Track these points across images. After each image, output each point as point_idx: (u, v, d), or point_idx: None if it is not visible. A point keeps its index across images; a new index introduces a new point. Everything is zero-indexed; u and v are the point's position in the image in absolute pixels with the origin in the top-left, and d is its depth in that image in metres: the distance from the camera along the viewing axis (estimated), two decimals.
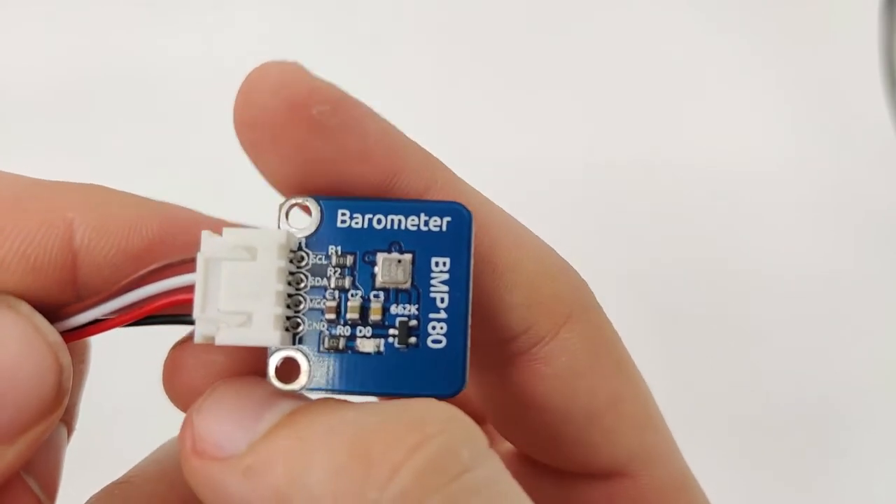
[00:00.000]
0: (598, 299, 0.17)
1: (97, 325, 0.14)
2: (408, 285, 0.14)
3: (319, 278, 0.14)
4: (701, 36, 0.44)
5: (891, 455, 0.36)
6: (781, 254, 0.40)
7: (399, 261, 0.14)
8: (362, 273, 0.14)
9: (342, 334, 0.14)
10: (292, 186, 0.15)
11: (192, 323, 0.14)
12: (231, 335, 0.14)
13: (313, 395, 0.14)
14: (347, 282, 0.14)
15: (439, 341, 0.14)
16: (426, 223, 0.14)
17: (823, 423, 0.37)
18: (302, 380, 0.14)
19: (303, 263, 0.14)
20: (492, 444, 0.13)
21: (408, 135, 0.15)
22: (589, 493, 0.17)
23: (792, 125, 0.42)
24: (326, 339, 0.14)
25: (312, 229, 0.14)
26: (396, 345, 0.14)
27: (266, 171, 0.15)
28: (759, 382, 0.38)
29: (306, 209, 0.15)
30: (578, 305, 0.16)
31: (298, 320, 0.14)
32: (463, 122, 0.41)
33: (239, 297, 0.14)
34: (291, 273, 0.14)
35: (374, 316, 0.14)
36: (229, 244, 0.14)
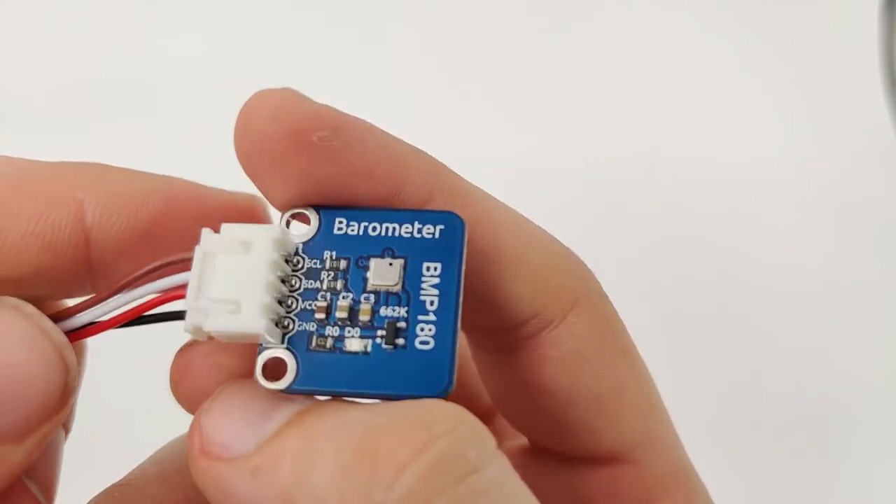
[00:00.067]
0: None
1: (94, 327, 0.15)
2: (398, 288, 0.14)
3: (313, 281, 0.15)
4: (701, 36, 0.44)
5: (891, 455, 0.36)
6: (781, 254, 0.40)
7: (391, 264, 0.14)
8: (355, 277, 0.15)
9: (331, 334, 0.14)
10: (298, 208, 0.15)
11: (183, 317, 0.14)
12: (218, 322, 0.14)
13: (299, 396, 0.14)
14: (339, 284, 0.14)
15: (427, 343, 0.14)
16: (420, 231, 0.15)
17: (823, 423, 0.37)
18: (287, 378, 0.14)
19: (298, 267, 0.15)
20: (499, 443, 0.13)
21: (407, 137, 0.15)
22: (592, 479, 0.17)
23: (792, 125, 0.42)
24: (314, 339, 0.14)
25: (310, 236, 0.15)
26: (384, 345, 0.14)
27: (271, 196, 0.15)
28: (759, 382, 0.38)
29: (306, 219, 0.15)
30: (585, 293, 0.16)
31: (289, 321, 0.14)
32: (463, 121, 0.41)
33: (230, 287, 0.14)
34: (286, 276, 0.14)
35: (363, 317, 0.14)
36: (227, 239, 0.14)
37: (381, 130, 0.15)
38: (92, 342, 0.16)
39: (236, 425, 0.13)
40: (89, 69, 0.42)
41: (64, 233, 0.14)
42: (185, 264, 0.14)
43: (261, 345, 0.14)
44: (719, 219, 0.40)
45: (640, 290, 0.38)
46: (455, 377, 0.14)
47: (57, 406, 0.14)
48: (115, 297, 0.14)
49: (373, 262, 0.15)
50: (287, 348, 0.14)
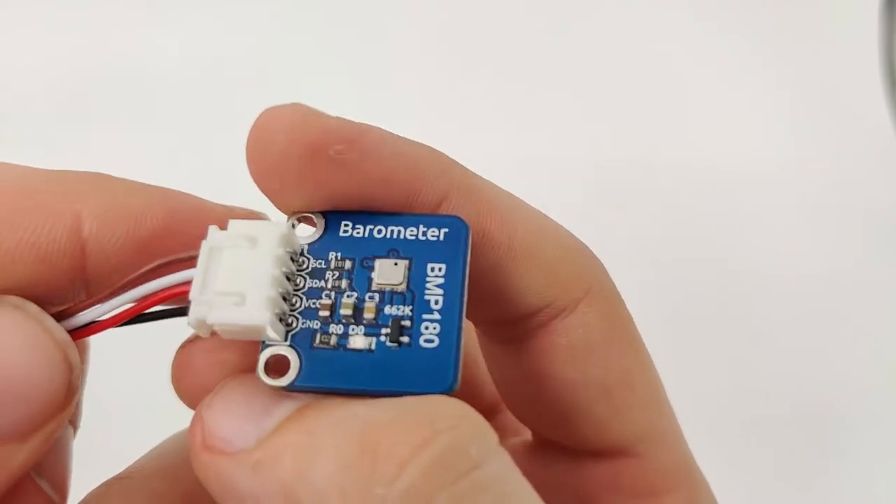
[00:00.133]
0: None
1: (97, 325, 0.15)
2: (403, 287, 0.15)
3: (317, 280, 0.15)
4: (701, 36, 0.44)
5: (891, 455, 0.36)
6: (781, 254, 0.40)
7: (395, 264, 0.15)
8: (359, 276, 0.15)
9: (335, 332, 0.14)
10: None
11: (187, 313, 0.14)
12: (222, 314, 0.14)
13: (302, 394, 0.14)
14: (344, 283, 0.15)
15: (431, 341, 0.14)
16: (424, 233, 0.15)
17: (823, 423, 0.37)
18: (290, 376, 0.14)
19: (303, 267, 0.15)
20: (503, 439, 0.13)
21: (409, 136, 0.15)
22: (597, 473, 0.18)
23: (792, 125, 0.42)
24: (318, 336, 0.14)
25: (315, 238, 0.15)
26: (388, 343, 0.14)
27: (289, 211, 0.15)
28: (759, 382, 0.38)
29: (311, 222, 0.15)
30: (596, 283, 0.17)
31: (292, 318, 0.14)
32: (463, 121, 0.41)
33: (235, 281, 0.14)
34: (291, 273, 0.15)
35: (368, 314, 0.14)
36: (233, 234, 0.14)
37: (393, 135, 0.15)
38: (93, 340, 0.16)
39: (238, 420, 0.13)
40: (89, 69, 0.42)
41: (60, 244, 0.14)
42: (187, 262, 0.14)
43: (263, 342, 0.14)
44: (719, 219, 0.40)
45: (640, 289, 0.37)
46: (460, 375, 0.14)
47: (61, 405, 0.14)
48: (119, 295, 0.15)
49: (377, 263, 0.15)
50: (290, 345, 0.14)
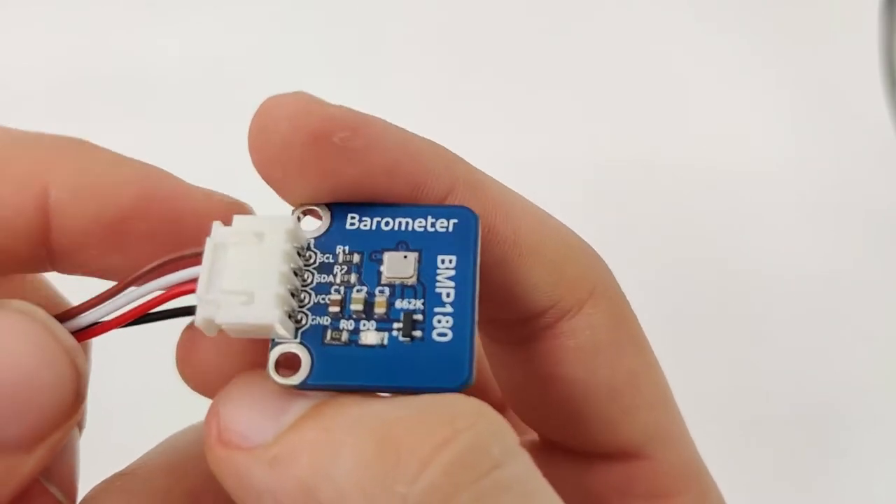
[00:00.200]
0: None
1: (99, 326, 0.14)
2: (413, 280, 0.14)
3: (325, 275, 0.14)
4: (701, 36, 0.44)
5: (891, 455, 0.36)
6: (781, 254, 0.40)
7: (405, 256, 0.14)
8: (368, 270, 0.14)
9: (346, 328, 0.14)
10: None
11: (194, 313, 0.14)
12: (231, 314, 0.13)
13: (314, 392, 0.14)
14: (353, 278, 0.14)
15: (445, 334, 0.14)
16: (433, 225, 0.15)
17: (823, 423, 0.37)
18: (302, 374, 0.14)
19: (310, 262, 0.14)
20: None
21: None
22: (606, 476, 0.17)
23: (792, 125, 0.42)
24: (329, 333, 0.14)
25: (322, 231, 0.15)
26: (401, 338, 0.14)
27: (294, 202, 0.15)
28: (759, 382, 0.38)
29: (316, 215, 0.15)
30: (601, 284, 0.16)
31: (302, 315, 0.14)
32: (462, 122, 0.41)
33: (243, 278, 0.14)
34: (298, 269, 0.14)
35: (379, 309, 0.14)
36: (238, 230, 0.14)
37: (398, 127, 0.15)
38: (95, 338, 0.15)
39: (255, 415, 0.13)
40: (89, 69, 0.42)
41: (24, 215, 0.14)
42: (192, 259, 0.14)
43: (273, 340, 0.14)
44: (719, 219, 0.40)
45: (640, 289, 0.37)
46: (475, 369, 0.14)
47: (68, 413, 0.13)
48: (122, 294, 0.14)
49: (386, 256, 0.14)
50: (301, 343, 0.14)
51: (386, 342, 0.14)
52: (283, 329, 0.14)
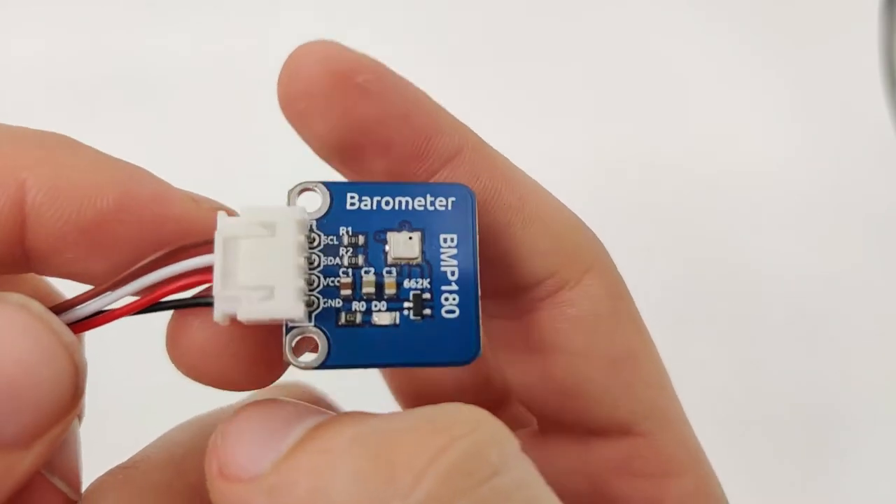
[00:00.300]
0: None
1: (106, 315, 0.14)
2: (419, 260, 0.15)
3: (332, 258, 0.15)
4: (701, 36, 0.44)
5: (891, 455, 0.36)
6: (781, 254, 0.40)
7: (410, 238, 0.15)
8: (374, 251, 0.15)
9: (358, 309, 0.14)
10: (338, 151, 0.16)
11: (208, 304, 0.14)
12: (254, 310, 0.13)
13: (314, 411, 0.14)
14: (360, 259, 0.15)
15: (452, 311, 0.15)
16: (433, 203, 0.15)
17: (823, 423, 0.37)
18: (320, 356, 0.14)
19: (314, 244, 0.15)
20: (512, 430, 0.13)
21: None
22: (605, 455, 0.17)
23: (792, 125, 0.42)
24: (343, 315, 0.14)
25: (322, 212, 0.15)
26: (412, 317, 0.14)
27: (312, 137, 0.15)
28: (758, 382, 0.38)
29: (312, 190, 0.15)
30: (599, 259, 0.17)
31: (313, 298, 0.14)
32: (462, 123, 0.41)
33: (259, 273, 0.14)
34: (306, 254, 0.14)
35: (389, 290, 0.14)
36: (247, 222, 0.14)
37: (415, 85, 0.16)
38: (89, 333, 0.15)
39: (252, 445, 0.13)
40: (89, 69, 0.42)
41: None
42: (199, 249, 0.14)
43: (286, 325, 0.14)
44: (719, 219, 0.40)
45: (639, 289, 0.37)
46: (481, 343, 0.14)
47: (67, 409, 0.13)
48: (126, 284, 0.14)
49: (391, 236, 0.15)
50: (316, 326, 0.14)
51: (398, 321, 0.14)
52: (304, 316, 0.14)
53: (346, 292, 0.14)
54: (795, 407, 0.37)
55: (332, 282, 0.14)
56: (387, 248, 0.15)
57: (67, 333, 0.13)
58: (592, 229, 0.17)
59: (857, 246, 0.40)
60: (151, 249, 0.14)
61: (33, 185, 0.14)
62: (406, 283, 0.15)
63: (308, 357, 0.14)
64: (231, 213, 0.15)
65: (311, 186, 0.15)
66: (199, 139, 0.40)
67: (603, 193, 0.40)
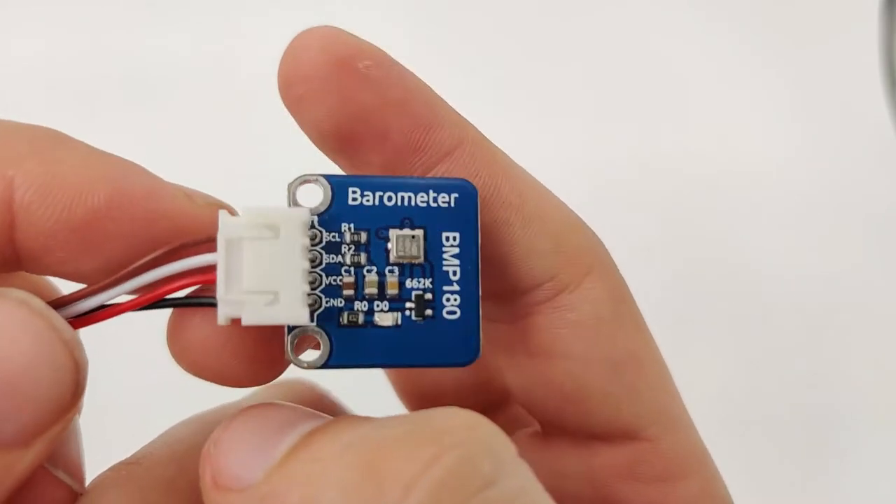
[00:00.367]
0: None
1: (107, 310, 0.14)
2: (421, 260, 0.15)
3: (334, 255, 0.14)
4: (701, 36, 0.44)
5: (891, 455, 0.36)
6: (781, 254, 0.40)
7: (412, 236, 0.15)
8: (376, 249, 0.15)
9: (361, 309, 0.14)
10: (336, 138, 0.15)
11: (211, 305, 0.14)
12: (258, 315, 0.13)
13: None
14: (363, 258, 0.14)
15: (454, 312, 0.14)
16: (435, 199, 0.15)
17: (823, 423, 0.37)
18: (323, 356, 0.14)
19: (316, 241, 0.14)
20: (511, 432, 0.13)
21: None
22: (609, 460, 0.17)
23: (792, 125, 0.42)
24: (346, 315, 0.14)
25: (324, 208, 0.15)
26: (413, 317, 0.14)
27: (310, 124, 0.15)
28: (758, 382, 0.38)
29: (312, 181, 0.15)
30: (600, 261, 0.17)
31: (314, 297, 0.14)
32: None
33: (264, 277, 0.13)
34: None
35: (391, 290, 0.14)
36: (250, 223, 0.14)
37: (416, 75, 0.15)
38: (86, 330, 0.15)
39: (245, 454, 0.13)
40: (89, 69, 0.42)
41: None
42: (203, 246, 0.14)
43: (288, 324, 0.14)
44: (719, 219, 0.40)
45: (638, 289, 0.37)
46: (481, 344, 0.14)
47: (67, 407, 0.13)
48: (128, 280, 0.14)
49: (393, 234, 0.15)
50: (318, 326, 0.14)
51: (400, 322, 0.14)
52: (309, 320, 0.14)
53: (349, 292, 0.14)
54: (795, 407, 0.37)
55: (335, 280, 0.14)
56: (389, 245, 0.15)
57: (68, 330, 0.13)
58: (594, 225, 0.17)
59: (857, 246, 0.40)
60: (145, 246, 0.14)
61: (21, 182, 0.13)
62: (408, 283, 0.14)
63: (309, 356, 0.14)
64: (227, 208, 0.15)
65: (311, 179, 0.15)
66: (199, 139, 0.40)
67: (602, 193, 0.40)
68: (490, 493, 0.12)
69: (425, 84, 0.16)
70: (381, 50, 0.15)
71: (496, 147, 0.16)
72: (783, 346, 0.38)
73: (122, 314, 0.14)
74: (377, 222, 0.15)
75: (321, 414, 0.14)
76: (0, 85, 0.42)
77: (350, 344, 0.14)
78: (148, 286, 0.14)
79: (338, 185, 0.15)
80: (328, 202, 0.15)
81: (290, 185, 0.15)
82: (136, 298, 0.14)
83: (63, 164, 0.13)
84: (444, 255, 0.15)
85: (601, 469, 0.17)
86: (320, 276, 0.14)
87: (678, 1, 0.44)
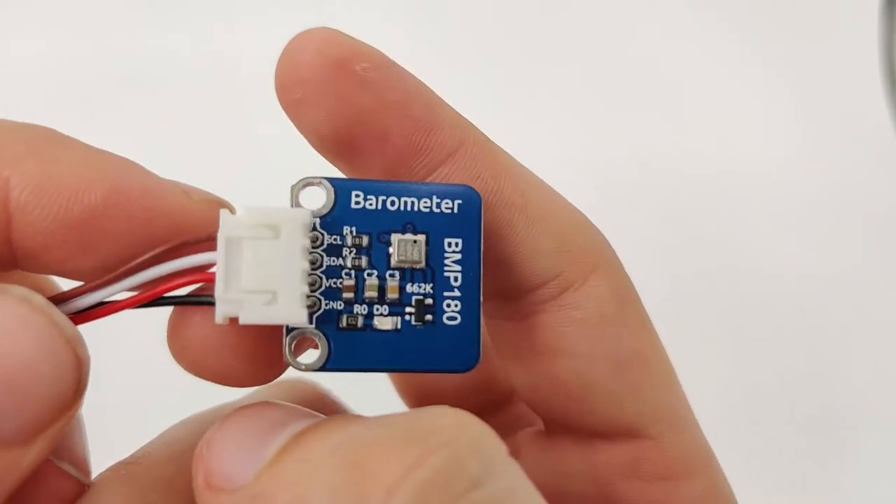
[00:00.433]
0: None
1: (107, 307, 0.14)
2: (423, 265, 0.15)
3: (335, 258, 0.14)
4: (701, 36, 0.44)
5: (891, 455, 0.36)
6: (781, 254, 0.40)
7: (414, 241, 0.14)
8: (377, 253, 0.14)
9: (360, 313, 0.14)
10: (334, 143, 0.15)
11: (210, 303, 0.14)
12: (256, 314, 0.13)
13: (300, 416, 0.14)
14: (364, 261, 0.14)
15: (454, 318, 0.14)
16: (438, 205, 0.15)
17: (823, 423, 0.37)
18: (321, 358, 0.14)
19: (318, 244, 0.14)
20: (515, 430, 0.13)
21: None
22: (612, 458, 0.17)
23: (792, 125, 0.42)
24: (345, 318, 0.14)
25: (326, 210, 0.14)
26: (413, 322, 0.14)
27: (308, 128, 0.15)
28: (759, 382, 0.38)
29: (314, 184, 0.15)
30: (605, 259, 0.16)
31: (314, 299, 0.14)
32: None
33: (263, 276, 0.13)
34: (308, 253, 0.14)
35: (392, 294, 0.14)
36: (251, 223, 0.14)
37: (418, 78, 0.15)
38: (87, 328, 0.15)
39: (236, 455, 0.13)
40: (89, 69, 0.42)
41: None
42: (204, 245, 0.14)
43: (287, 326, 0.14)
44: (719, 219, 0.40)
45: (638, 289, 0.37)
46: (481, 350, 0.14)
47: (69, 404, 0.13)
48: (128, 277, 0.14)
49: (395, 239, 0.15)
50: (316, 328, 0.14)
51: (400, 326, 0.14)
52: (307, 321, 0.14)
53: (349, 295, 0.14)
54: (795, 406, 0.37)
55: (335, 283, 0.14)
56: (390, 250, 0.14)
57: (70, 327, 0.13)
58: (597, 228, 0.17)
59: (857, 246, 0.40)
60: (143, 244, 0.14)
61: (17, 182, 0.13)
62: (409, 288, 0.14)
63: (308, 358, 0.14)
64: (224, 204, 0.15)
65: (314, 182, 0.15)
66: (199, 139, 0.40)
67: (602, 193, 0.40)
68: (477, 495, 0.12)
69: (425, 85, 0.15)
70: (379, 51, 0.15)
71: (498, 147, 0.16)
72: (783, 346, 0.38)
73: (121, 311, 0.14)
74: (379, 226, 0.15)
75: (314, 413, 0.14)
76: (0, 85, 0.42)
77: (349, 347, 0.14)
78: (148, 283, 0.14)
79: (341, 188, 0.15)
80: (331, 205, 0.14)
81: (293, 188, 0.15)
82: (136, 295, 0.14)
83: (60, 163, 0.13)
84: (446, 261, 0.15)
85: (604, 467, 0.17)
86: (320, 278, 0.14)
87: (678, 1, 0.44)
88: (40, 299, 0.13)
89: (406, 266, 0.14)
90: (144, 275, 0.14)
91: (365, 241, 0.14)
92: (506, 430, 0.16)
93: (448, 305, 0.14)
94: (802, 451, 0.37)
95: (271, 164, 0.31)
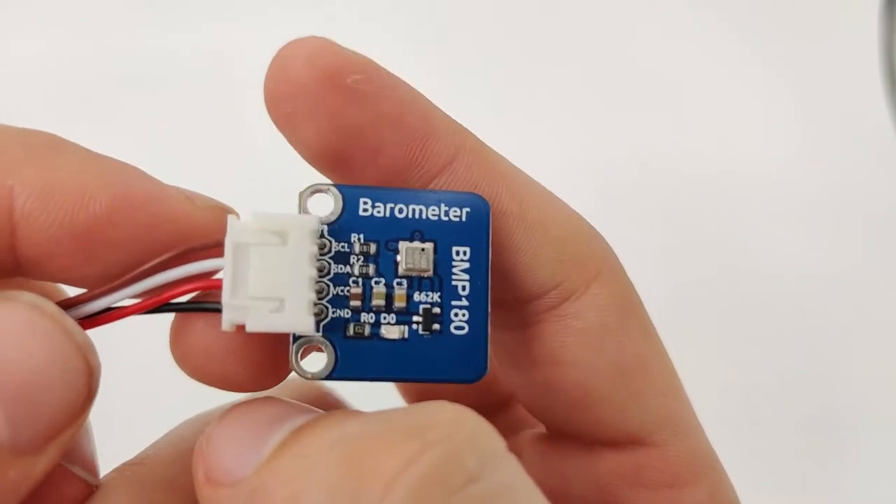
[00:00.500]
0: None
1: (114, 313, 0.14)
2: (430, 273, 0.14)
3: (342, 266, 0.14)
4: (701, 36, 0.44)
5: (891, 455, 0.36)
6: (781, 254, 0.40)
7: (422, 249, 0.14)
8: (384, 261, 0.14)
9: (367, 321, 0.14)
10: (327, 157, 0.15)
11: (216, 310, 0.14)
12: (263, 321, 0.13)
13: (299, 412, 0.14)
14: (371, 269, 0.14)
15: (462, 328, 0.14)
16: (446, 213, 0.15)
17: (823, 423, 0.37)
18: (327, 367, 0.14)
19: (325, 251, 0.14)
20: (516, 432, 0.13)
21: None
22: (615, 465, 0.17)
23: (792, 125, 0.42)
24: (352, 327, 0.14)
25: (334, 218, 0.14)
26: (421, 331, 0.14)
27: (300, 143, 0.15)
28: (758, 382, 0.38)
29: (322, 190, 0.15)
30: (606, 266, 0.16)
31: (321, 307, 0.14)
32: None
33: (270, 283, 0.13)
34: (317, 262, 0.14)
35: (399, 303, 0.14)
36: (258, 229, 0.13)
37: (411, 86, 0.15)
38: (94, 333, 0.15)
39: (236, 449, 0.13)
40: (89, 69, 0.42)
41: None
42: (211, 251, 0.14)
43: (293, 334, 0.14)
44: (719, 219, 0.40)
45: (638, 290, 0.37)
46: (489, 360, 0.14)
47: (80, 411, 0.13)
48: (135, 283, 0.14)
49: (403, 247, 0.14)
50: (323, 336, 0.14)
51: (407, 335, 0.14)
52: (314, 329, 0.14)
53: (356, 303, 0.14)
54: (795, 407, 0.37)
55: (342, 291, 0.14)
56: (398, 258, 0.14)
57: (80, 333, 0.13)
58: (595, 226, 0.17)
59: (857, 246, 0.40)
60: (147, 250, 0.14)
61: (21, 190, 0.13)
62: (416, 297, 0.14)
63: (314, 367, 0.14)
64: (229, 210, 0.15)
65: (323, 188, 0.14)
66: (199, 139, 0.40)
67: (602, 194, 0.40)
68: (474, 489, 0.12)
69: (418, 93, 0.15)
70: (371, 60, 0.14)
71: (496, 153, 0.16)
72: (784, 346, 0.38)
73: (127, 317, 0.14)
74: (387, 234, 0.14)
75: (313, 408, 0.14)
76: (0, 85, 0.42)
77: (355, 356, 0.14)
78: (154, 290, 0.14)
79: (349, 196, 0.14)
80: (339, 212, 0.14)
81: (301, 194, 0.14)
82: (143, 301, 0.14)
83: (61, 170, 0.13)
84: (454, 270, 0.14)
85: (607, 474, 0.17)
86: (328, 285, 0.14)
87: (678, 1, 0.44)
88: (51, 306, 0.13)
89: (414, 274, 0.14)
90: (151, 281, 0.14)
91: (373, 248, 0.14)
92: (506, 432, 0.16)
93: (456, 314, 0.14)
94: (802, 451, 0.37)
95: (271, 165, 0.31)
